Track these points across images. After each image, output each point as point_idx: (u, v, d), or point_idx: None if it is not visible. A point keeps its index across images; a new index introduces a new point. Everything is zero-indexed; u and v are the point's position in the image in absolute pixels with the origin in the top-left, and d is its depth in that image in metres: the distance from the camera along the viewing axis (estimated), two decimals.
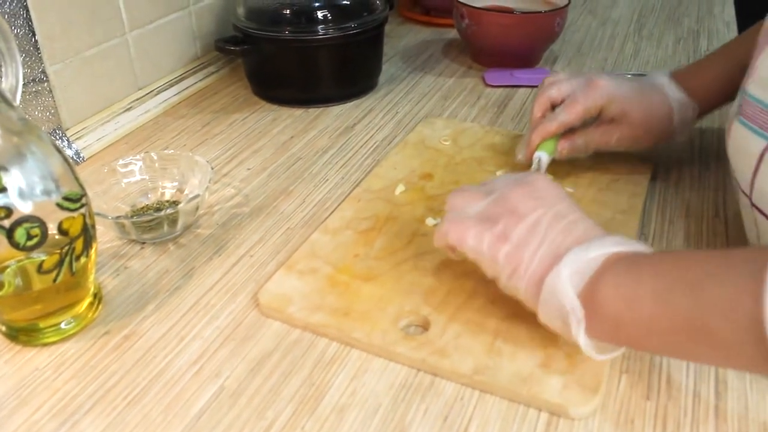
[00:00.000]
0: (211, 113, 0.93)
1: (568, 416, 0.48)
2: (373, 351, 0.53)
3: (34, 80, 0.79)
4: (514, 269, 0.49)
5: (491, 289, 0.57)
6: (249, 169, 0.79)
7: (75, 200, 0.52)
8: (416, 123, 0.88)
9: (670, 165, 0.78)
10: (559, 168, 0.75)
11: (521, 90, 0.99)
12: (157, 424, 0.48)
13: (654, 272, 0.45)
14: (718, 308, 0.40)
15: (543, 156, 0.71)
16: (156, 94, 0.95)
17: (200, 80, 1.02)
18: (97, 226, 0.64)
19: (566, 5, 1.03)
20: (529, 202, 0.51)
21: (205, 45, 1.04)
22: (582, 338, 0.46)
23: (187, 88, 0.99)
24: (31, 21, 0.77)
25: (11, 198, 0.49)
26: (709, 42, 1.16)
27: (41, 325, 0.56)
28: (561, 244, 0.49)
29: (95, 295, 0.59)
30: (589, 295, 0.46)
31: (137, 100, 0.93)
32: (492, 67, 1.05)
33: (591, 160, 0.76)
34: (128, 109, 0.91)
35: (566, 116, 0.70)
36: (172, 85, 0.98)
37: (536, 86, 0.99)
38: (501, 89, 0.99)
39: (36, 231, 0.50)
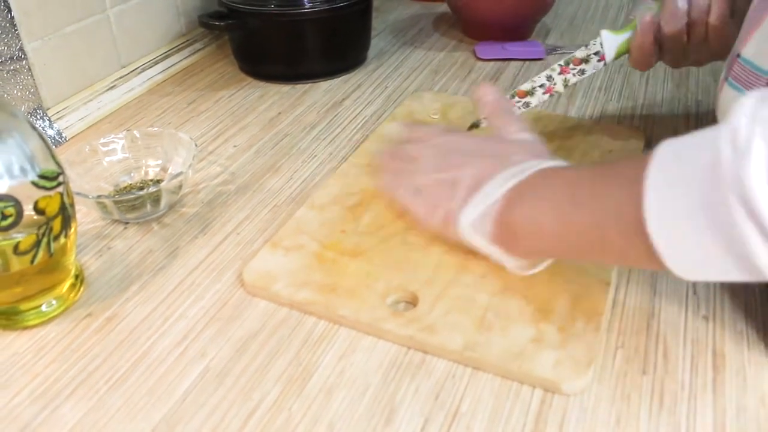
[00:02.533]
0: (197, 91, 0.91)
1: (561, 392, 0.47)
2: (361, 328, 0.52)
3: (11, 58, 0.77)
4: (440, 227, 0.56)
5: (481, 264, 0.56)
6: (235, 146, 0.78)
7: (51, 179, 0.51)
8: (406, 98, 0.86)
9: (665, 135, 0.76)
10: (552, 140, 0.73)
11: (513, 63, 0.97)
12: (140, 407, 0.47)
13: (551, 195, 0.49)
14: (608, 218, 0.44)
15: (607, 36, 0.67)
16: (140, 72, 0.93)
17: (186, 57, 1.00)
18: (79, 207, 0.62)
19: None
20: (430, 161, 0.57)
21: (190, 21, 1.02)
22: (509, 266, 0.53)
23: (172, 65, 0.97)
24: None
25: None
26: None
27: (22, 307, 0.54)
28: (457, 199, 0.53)
29: (77, 277, 0.57)
30: (502, 230, 0.51)
31: (121, 78, 0.91)
32: (483, 41, 1.03)
33: (582, 132, 0.75)
34: (111, 88, 0.89)
35: None
36: (156, 63, 0.96)
37: (528, 59, 0.98)
38: (492, 63, 0.98)
39: (11, 210, 0.48)
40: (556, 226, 0.48)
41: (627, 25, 0.68)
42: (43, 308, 0.55)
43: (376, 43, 1.03)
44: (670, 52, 0.68)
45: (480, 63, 0.98)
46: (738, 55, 0.55)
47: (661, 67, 0.90)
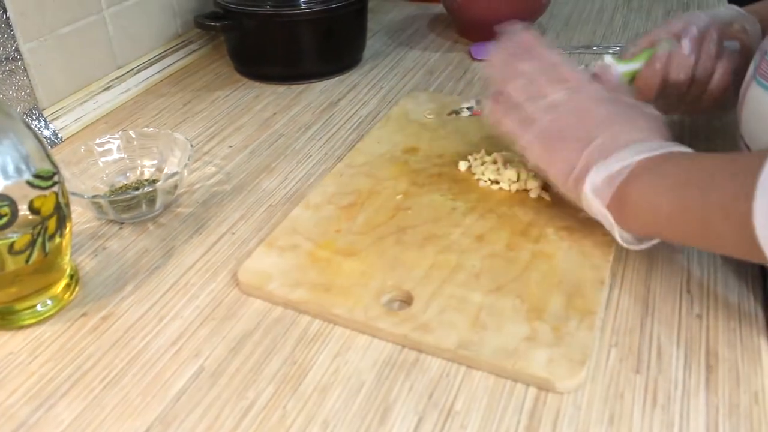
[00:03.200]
0: (193, 91, 0.92)
1: (555, 390, 0.47)
2: (356, 327, 0.52)
3: (7, 59, 0.77)
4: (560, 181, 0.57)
5: (475, 263, 0.56)
6: (231, 146, 0.78)
7: (46, 178, 0.51)
8: (401, 98, 0.86)
9: None
10: None
11: None
12: (135, 405, 0.47)
13: (669, 177, 0.50)
14: (719, 208, 0.46)
15: (610, 60, 0.67)
16: (136, 73, 0.93)
17: (182, 58, 1.00)
18: (75, 207, 0.62)
19: None
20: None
21: (185, 22, 1.02)
22: (617, 236, 0.54)
23: (168, 66, 0.98)
24: None
25: None
26: None
27: (17, 307, 0.54)
28: (590, 159, 0.54)
29: (72, 277, 0.57)
30: (619, 200, 0.53)
31: (116, 78, 0.91)
32: (479, 41, 1.03)
33: None
34: (107, 88, 0.89)
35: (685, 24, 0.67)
36: (152, 64, 0.96)
37: None
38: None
39: (5, 210, 0.48)
40: (666, 206, 0.50)
41: (636, 56, 0.68)
42: (39, 308, 0.55)
43: (371, 44, 1.03)
44: (665, 98, 0.68)
45: (475, 63, 0.98)
46: (766, 53, 0.55)
47: None
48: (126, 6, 0.91)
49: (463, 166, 0.70)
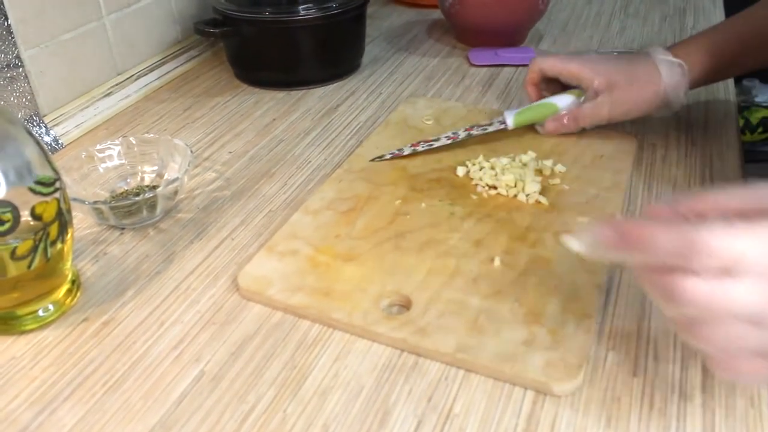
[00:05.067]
0: (193, 97, 0.92)
1: (552, 393, 0.47)
2: (355, 332, 0.52)
3: (8, 65, 0.77)
4: None
5: (473, 268, 0.57)
6: (230, 152, 0.78)
7: (48, 184, 0.51)
8: (400, 103, 0.86)
9: (656, 141, 0.77)
10: (543, 145, 0.74)
11: (506, 69, 0.98)
12: (137, 409, 0.48)
13: None
14: None
15: (508, 116, 0.76)
16: (136, 79, 0.94)
17: (181, 64, 1.01)
18: (76, 213, 0.63)
19: None
20: None
21: (185, 28, 1.03)
22: None
23: (168, 72, 0.98)
24: (2, 4, 0.75)
25: None
26: (695, 19, 1.15)
27: (19, 312, 0.55)
28: None
29: (73, 282, 0.58)
30: None
31: (117, 85, 0.91)
32: (476, 47, 1.04)
33: (575, 137, 0.75)
34: (108, 95, 0.90)
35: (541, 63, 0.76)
36: (152, 70, 0.96)
37: (521, 65, 0.99)
38: (486, 69, 0.98)
39: (8, 216, 0.49)
40: None
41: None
42: (40, 313, 0.55)
43: (370, 50, 1.03)
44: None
45: (473, 69, 0.98)
46: None
47: None
48: (126, 13, 0.92)
49: (461, 171, 0.70)
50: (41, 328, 0.55)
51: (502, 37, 1.04)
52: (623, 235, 0.39)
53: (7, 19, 0.76)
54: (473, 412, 0.47)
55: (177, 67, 1.00)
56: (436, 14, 1.19)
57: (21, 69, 0.78)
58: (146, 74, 0.95)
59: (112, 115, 0.88)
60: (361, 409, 0.47)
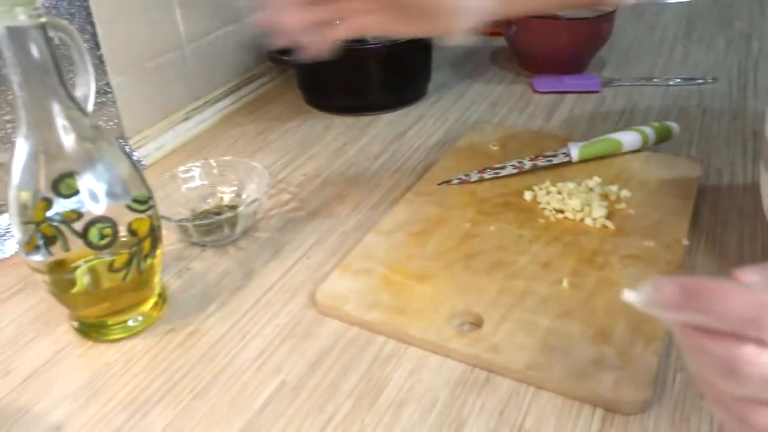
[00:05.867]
0: (266, 121, 0.96)
1: (622, 412, 0.49)
2: (429, 347, 0.54)
3: (98, 92, 0.82)
4: None
5: (542, 289, 0.58)
6: (304, 174, 0.81)
7: (143, 202, 0.55)
8: (466, 130, 0.89)
9: (722, 166, 0.78)
10: (608, 171, 0.75)
11: (570, 96, 1.00)
12: (222, 415, 0.50)
13: None
14: None
15: (573, 148, 0.78)
16: (212, 104, 0.98)
17: (254, 90, 1.05)
18: (166, 230, 0.67)
19: (613, 11, 1.04)
20: None
21: (257, 56, 1.07)
22: None
23: (242, 98, 1.03)
24: (96, 35, 0.80)
25: (84, 200, 0.52)
26: (762, 43, 1.15)
27: (109, 322, 0.58)
28: None
29: (160, 295, 0.61)
30: None
31: (194, 109, 0.96)
32: (540, 74, 1.06)
33: (640, 162, 0.77)
34: (186, 119, 0.94)
35: None
36: (227, 95, 1.01)
37: (584, 92, 1.00)
38: (549, 95, 1.00)
39: (108, 231, 0.53)
40: None
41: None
42: (129, 323, 0.59)
43: (436, 77, 1.06)
44: None
45: (537, 96, 1.00)
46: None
47: (717, 98, 0.92)
48: (203, 42, 0.97)
49: (528, 195, 0.72)
50: (130, 337, 0.58)
51: (565, 65, 1.06)
52: (690, 292, 0.33)
53: (99, 48, 0.81)
54: (544, 428, 0.48)
55: (250, 92, 1.04)
56: (499, 41, 1.21)
57: (110, 95, 0.83)
58: (221, 99, 1.00)
59: (190, 138, 0.93)
60: (436, 421, 0.49)
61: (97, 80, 0.81)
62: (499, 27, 1.12)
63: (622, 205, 0.70)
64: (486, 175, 0.76)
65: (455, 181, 0.75)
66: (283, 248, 0.68)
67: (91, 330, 0.59)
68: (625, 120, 0.91)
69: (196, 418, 0.50)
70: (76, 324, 0.59)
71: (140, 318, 0.59)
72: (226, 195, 0.74)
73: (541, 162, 0.77)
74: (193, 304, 0.62)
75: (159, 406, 0.52)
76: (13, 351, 0.58)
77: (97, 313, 0.58)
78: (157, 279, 0.60)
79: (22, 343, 0.59)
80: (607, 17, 1.03)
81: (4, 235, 0.73)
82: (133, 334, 0.59)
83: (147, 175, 0.82)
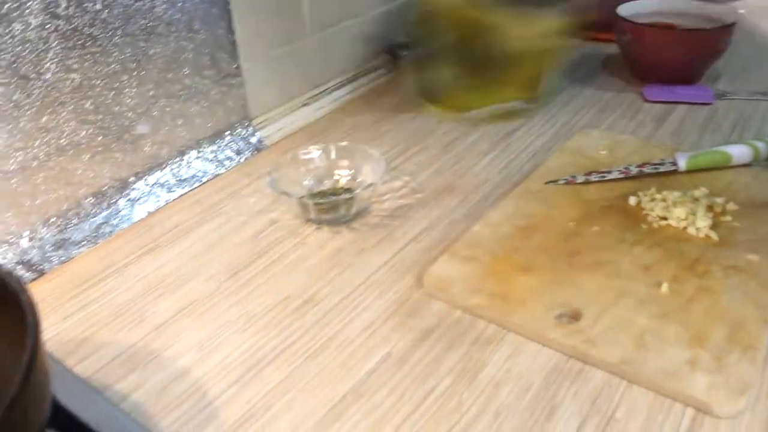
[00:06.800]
0: (380, 112, 1.00)
1: (713, 414, 0.50)
2: (528, 335, 0.57)
3: (229, 74, 0.88)
4: None
5: (641, 291, 0.60)
6: (415, 164, 0.85)
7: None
8: (574, 133, 0.91)
9: None
10: (716, 182, 0.76)
11: (681, 106, 1.00)
12: (332, 377, 0.55)
13: None
14: None
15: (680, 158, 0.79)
16: (330, 93, 1.04)
17: (370, 82, 1.10)
18: (280, 205, 0.72)
19: (733, 23, 1.03)
20: None
21: (374, 50, 1.12)
22: None
23: (358, 88, 1.08)
24: (231, 22, 0.86)
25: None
26: None
27: None
28: None
29: None
30: None
31: (313, 96, 1.02)
32: (652, 83, 1.06)
33: (750, 177, 0.77)
34: (305, 105, 1.00)
35: None
36: (344, 85, 1.06)
37: (696, 103, 1.00)
38: (660, 105, 1.01)
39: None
40: None
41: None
42: None
43: (546, 81, 1.08)
44: None
45: (647, 105, 1.01)
46: None
47: None
48: (325, 34, 1.02)
49: (632, 200, 0.74)
50: (253, 297, 0.64)
51: (678, 75, 1.06)
52: None
53: (233, 35, 0.87)
54: (634, 420, 0.50)
55: (366, 84, 1.09)
56: (609, 49, 1.21)
57: (239, 78, 0.90)
58: (338, 89, 1.05)
59: (308, 124, 0.98)
60: (530, 403, 0.52)
61: (229, 64, 0.88)
62: (614, 35, 1.12)
63: (728, 218, 0.71)
64: (592, 178, 0.78)
65: (561, 182, 0.77)
66: (393, 231, 0.72)
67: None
68: (737, 134, 0.91)
69: (307, 378, 0.55)
70: None
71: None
72: (343, 178, 0.79)
73: (647, 169, 0.79)
74: (307, 274, 0.67)
75: (274, 363, 0.57)
76: (146, 302, 0.65)
77: None
78: None
79: (152, 297, 0.65)
80: (727, 29, 1.02)
81: (139, 199, 0.80)
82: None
83: (268, 154, 0.89)
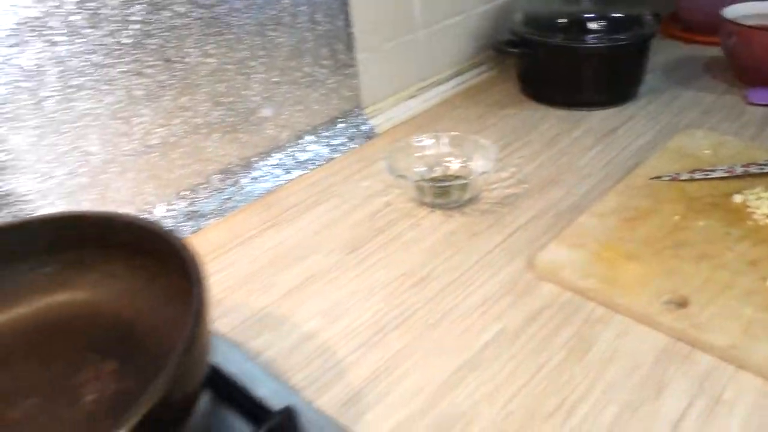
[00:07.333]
0: (484, 107, 1.04)
1: None
2: (636, 317, 0.61)
3: (345, 65, 0.94)
4: None
5: (747, 284, 0.62)
6: (521, 157, 0.89)
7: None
8: (677, 133, 0.92)
9: None
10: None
11: None
12: (449, 347, 0.59)
13: None
14: None
15: None
16: (436, 86, 1.08)
17: (474, 77, 1.14)
18: (394, 189, 0.77)
19: None
20: None
21: (479, 46, 1.16)
22: None
23: (462, 83, 1.12)
24: (349, 15, 0.92)
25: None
26: None
27: None
28: None
29: None
30: None
31: (420, 89, 1.06)
32: (757, 86, 1.07)
33: None
34: (412, 97, 1.05)
35: None
36: (450, 79, 1.10)
37: None
38: (764, 108, 1.01)
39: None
40: None
41: None
42: None
43: (648, 80, 1.10)
44: None
45: (751, 108, 1.02)
46: None
47: None
48: (435, 29, 1.06)
49: (738, 198, 0.75)
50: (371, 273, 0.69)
51: None
52: None
53: (351, 27, 0.92)
54: (742, 403, 0.53)
55: (470, 79, 1.13)
56: (712, 51, 1.22)
57: (354, 68, 0.95)
58: (444, 82, 1.10)
59: (414, 115, 1.03)
60: (639, 381, 0.55)
61: (346, 55, 0.93)
62: (718, 37, 1.13)
63: None
64: (696, 176, 0.80)
65: (666, 178, 0.80)
66: (502, 218, 0.76)
67: None
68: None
69: (427, 346, 0.60)
70: None
71: None
72: (453, 165, 0.83)
73: (753, 169, 0.80)
74: (422, 254, 0.71)
75: (396, 331, 0.61)
76: (272, 272, 0.71)
77: None
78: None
79: (278, 268, 0.71)
80: None
81: (260, 178, 0.86)
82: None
83: (378, 141, 0.94)
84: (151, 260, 0.58)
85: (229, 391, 0.55)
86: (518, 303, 0.64)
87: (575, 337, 0.60)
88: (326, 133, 0.94)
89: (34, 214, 0.69)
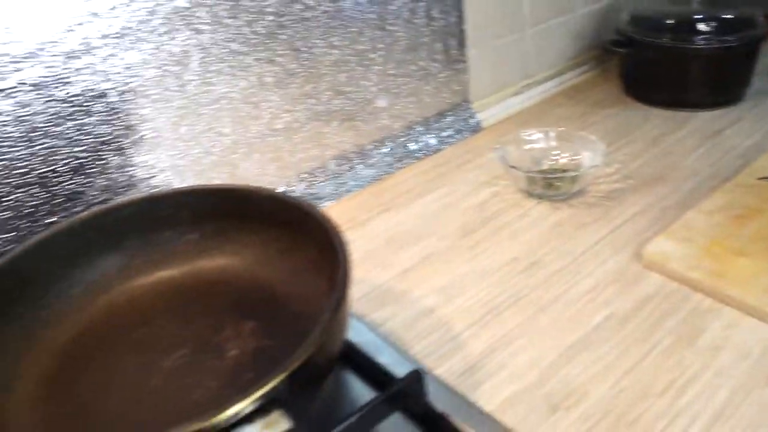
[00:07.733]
0: (586, 106, 1.07)
1: None
2: (746, 309, 0.62)
3: (456, 60, 0.98)
4: None
5: None
6: (625, 155, 0.91)
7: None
8: None
9: None
10: None
11: None
12: (561, 328, 0.63)
13: None
14: None
15: None
16: (540, 84, 1.11)
17: (575, 77, 1.16)
18: (502, 180, 0.80)
19: None
20: None
21: (582, 46, 1.18)
22: None
23: (565, 82, 1.14)
24: (462, 13, 0.95)
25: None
26: None
27: None
28: None
29: None
30: None
31: (524, 86, 1.09)
32: None
33: None
34: (516, 94, 1.08)
35: None
36: (553, 77, 1.13)
37: None
38: None
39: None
40: None
41: None
42: None
43: (755, 83, 1.09)
44: None
45: None
46: None
47: None
48: (542, 28, 1.09)
49: None
50: (479, 259, 0.72)
51: None
52: None
53: (463, 24, 0.96)
54: None
55: (571, 78, 1.16)
56: None
57: (464, 64, 0.99)
58: (548, 81, 1.12)
59: (519, 111, 1.06)
60: (749, 368, 0.57)
61: (458, 50, 0.97)
62: None
63: None
64: None
65: None
66: (609, 212, 0.79)
67: None
68: None
69: (539, 326, 0.63)
70: None
71: None
72: (561, 159, 0.86)
73: None
74: (532, 241, 0.75)
75: (509, 311, 0.65)
76: (389, 252, 0.75)
77: None
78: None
79: (394, 248, 0.75)
80: None
81: (373, 165, 0.91)
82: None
83: (484, 135, 0.97)
84: (286, 232, 0.63)
85: (353, 358, 0.60)
86: (626, 291, 0.66)
87: (683, 324, 0.62)
88: (436, 125, 0.98)
89: (171, 188, 0.76)
